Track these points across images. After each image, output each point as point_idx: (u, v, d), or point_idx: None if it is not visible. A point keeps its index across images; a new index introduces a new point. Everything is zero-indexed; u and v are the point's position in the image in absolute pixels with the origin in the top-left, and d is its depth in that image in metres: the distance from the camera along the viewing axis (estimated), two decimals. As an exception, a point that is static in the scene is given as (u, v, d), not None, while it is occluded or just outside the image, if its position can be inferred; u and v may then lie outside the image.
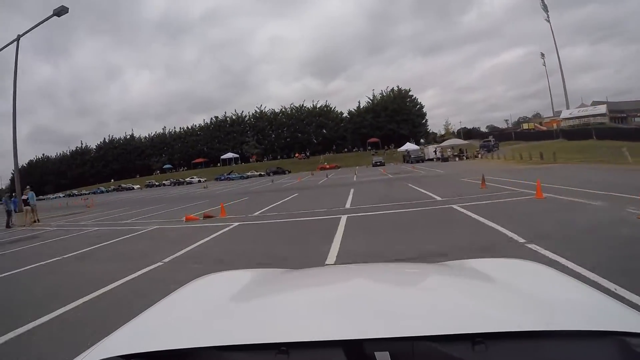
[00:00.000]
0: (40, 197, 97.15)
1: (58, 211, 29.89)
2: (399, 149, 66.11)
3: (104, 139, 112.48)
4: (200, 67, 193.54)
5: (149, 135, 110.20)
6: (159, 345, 0.92)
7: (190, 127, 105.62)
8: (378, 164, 54.76)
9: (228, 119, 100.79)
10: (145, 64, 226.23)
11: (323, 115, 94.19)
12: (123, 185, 77.84)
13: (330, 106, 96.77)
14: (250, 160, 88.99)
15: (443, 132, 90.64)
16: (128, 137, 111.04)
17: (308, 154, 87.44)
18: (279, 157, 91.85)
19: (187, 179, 67.78)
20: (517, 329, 0.87)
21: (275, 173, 61.96)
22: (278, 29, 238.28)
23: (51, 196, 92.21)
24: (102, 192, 77.40)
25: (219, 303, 1.31)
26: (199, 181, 64.81)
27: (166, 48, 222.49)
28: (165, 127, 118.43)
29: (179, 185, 64.46)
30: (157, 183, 73.72)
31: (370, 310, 1.05)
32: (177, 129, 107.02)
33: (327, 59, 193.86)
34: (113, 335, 1.13)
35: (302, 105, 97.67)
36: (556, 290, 1.30)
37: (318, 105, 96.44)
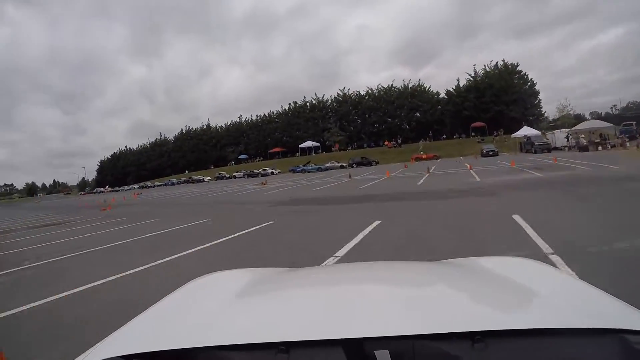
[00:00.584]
0: (116, 188, 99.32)
1: (60, 215, 23.08)
2: (512, 135, 52.41)
3: (182, 129, 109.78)
4: (289, 60, 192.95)
5: (225, 124, 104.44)
6: (159, 345, 0.91)
7: (267, 114, 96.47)
8: (490, 153, 42.10)
9: (308, 104, 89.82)
10: (235, 59, 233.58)
11: (416, 97, 79.78)
12: (194, 177, 72.04)
13: (424, 86, 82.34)
14: (333, 149, 77.92)
15: (556, 116, 72.81)
16: (204, 127, 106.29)
17: (400, 141, 73.32)
18: (365, 145, 79.22)
19: (261, 170, 59.33)
20: (517, 327, 0.87)
21: (359, 164, 51.28)
22: (365, 17, 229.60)
23: (126, 187, 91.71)
24: (172, 184, 73.89)
25: (219, 302, 1.30)
26: (272, 172, 56.67)
27: (254, 43, 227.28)
28: (241, 115, 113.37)
29: (251, 177, 56.55)
30: (227, 175, 66.41)
31: (370, 308, 1.06)
32: (254, 117, 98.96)
33: (416, 46, 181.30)
34: (113, 336, 1.12)
35: (392, 85, 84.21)
36: (556, 288, 1.30)
37: (410, 85, 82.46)
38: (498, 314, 1.02)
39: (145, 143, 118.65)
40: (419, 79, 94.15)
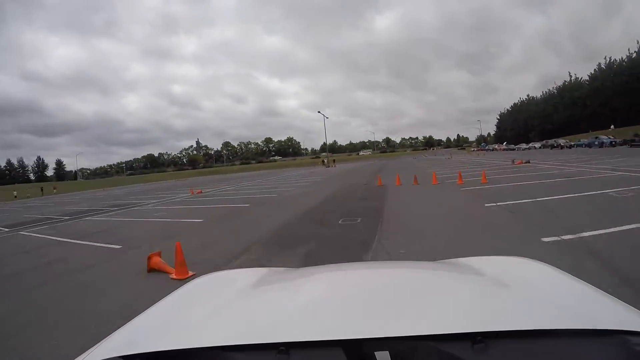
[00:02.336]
0: (511, 145, 75.66)
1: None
2: None
3: (599, 63, 78.09)
4: None
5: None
6: (159, 346, 0.92)
7: None
8: None
9: None
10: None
11: None
12: (640, 138, 38.88)
13: None
14: None
15: None
16: (632, 55, 69.54)
17: None
18: None
19: None
20: (517, 328, 0.87)
21: None
22: None
23: (524, 145, 68.70)
24: (599, 144, 43.25)
25: (219, 303, 1.31)
26: None
27: None
28: None
29: None
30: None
31: (370, 309, 1.06)
32: None
33: None
34: (113, 336, 1.13)
35: None
36: (557, 289, 1.30)
37: None
38: (498, 314, 1.02)
39: (551, 89, 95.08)
40: None
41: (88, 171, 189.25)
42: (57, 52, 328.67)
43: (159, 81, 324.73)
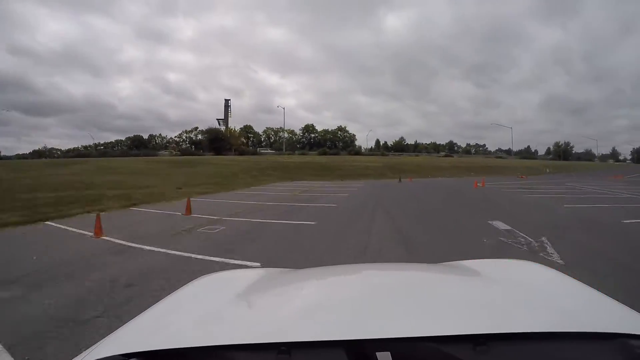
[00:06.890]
0: None
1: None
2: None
3: None
4: None
5: None
6: (160, 344, 0.92)
7: None
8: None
9: None
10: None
11: None
12: None
13: None
14: None
15: None
16: None
17: None
18: None
19: None
20: (519, 331, 0.87)
21: None
22: None
23: None
24: None
25: (220, 302, 1.31)
26: None
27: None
28: None
29: None
30: None
31: (372, 310, 1.06)
32: None
33: None
34: (114, 334, 1.13)
35: None
36: (557, 291, 1.31)
37: None
38: (500, 317, 1.02)
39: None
40: None
41: (59, 152, 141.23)
42: (48, 26, 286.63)
43: (153, 66, 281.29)
